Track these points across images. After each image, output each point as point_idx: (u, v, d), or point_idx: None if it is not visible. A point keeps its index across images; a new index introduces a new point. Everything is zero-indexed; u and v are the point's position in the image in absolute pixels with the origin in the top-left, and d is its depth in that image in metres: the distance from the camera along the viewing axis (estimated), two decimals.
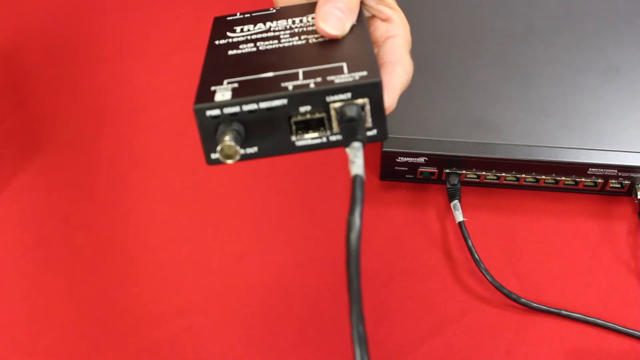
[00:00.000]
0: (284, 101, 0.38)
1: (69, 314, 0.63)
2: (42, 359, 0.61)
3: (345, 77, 0.38)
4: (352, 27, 0.43)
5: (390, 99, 0.43)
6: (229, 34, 0.45)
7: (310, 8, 0.46)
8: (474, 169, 0.66)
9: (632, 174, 0.65)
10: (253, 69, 0.40)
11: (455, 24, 0.71)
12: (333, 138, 0.39)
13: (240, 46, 0.43)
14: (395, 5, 0.49)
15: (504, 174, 0.66)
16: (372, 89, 0.38)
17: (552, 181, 0.66)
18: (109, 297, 0.64)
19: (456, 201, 0.66)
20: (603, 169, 0.64)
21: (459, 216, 0.65)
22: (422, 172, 0.67)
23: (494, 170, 0.66)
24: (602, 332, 0.62)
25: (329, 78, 0.38)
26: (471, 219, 0.65)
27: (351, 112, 0.38)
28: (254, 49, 0.43)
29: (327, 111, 0.38)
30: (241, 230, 0.66)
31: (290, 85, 0.38)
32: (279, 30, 0.44)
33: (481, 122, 0.66)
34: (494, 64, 0.69)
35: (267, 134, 0.39)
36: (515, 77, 0.68)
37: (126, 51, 0.78)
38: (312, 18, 0.45)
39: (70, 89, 0.75)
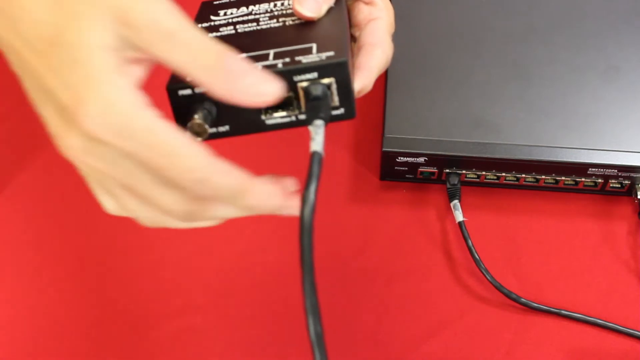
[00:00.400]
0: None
1: (68, 314, 0.63)
2: (42, 359, 0.62)
3: (312, 57, 0.38)
4: (330, 10, 0.43)
5: (367, 80, 0.43)
6: (212, 17, 0.45)
7: None
8: (474, 169, 0.66)
9: (632, 174, 0.65)
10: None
11: (455, 24, 0.71)
12: (302, 117, 0.39)
13: (220, 29, 0.44)
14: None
15: (504, 174, 0.66)
16: (338, 69, 0.38)
17: (552, 181, 0.66)
18: (109, 297, 0.64)
19: (456, 201, 0.66)
20: (603, 169, 0.64)
21: (459, 216, 0.65)
22: (422, 172, 0.67)
23: (494, 170, 0.66)
24: (602, 332, 0.62)
25: (297, 58, 0.38)
26: (471, 219, 0.65)
27: (316, 91, 0.38)
28: (233, 31, 0.43)
29: (295, 90, 0.39)
30: (242, 230, 0.66)
31: (259, 65, 0.38)
32: (259, 14, 0.45)
33: (481, 122, 0.66)
34: (494, 64, 0.69)
35: (237, 112, 0.38)
36: (515, 77, 0.68)
37: None
38: (290, 3, 0.45)
39: None
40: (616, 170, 0.65)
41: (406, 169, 0.67)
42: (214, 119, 0.39)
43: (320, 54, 0.38)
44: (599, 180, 0.66)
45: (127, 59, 0.35)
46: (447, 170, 0.66)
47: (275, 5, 0.45)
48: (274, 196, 0.38)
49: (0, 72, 0.75)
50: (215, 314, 0.63)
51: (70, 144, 0.35)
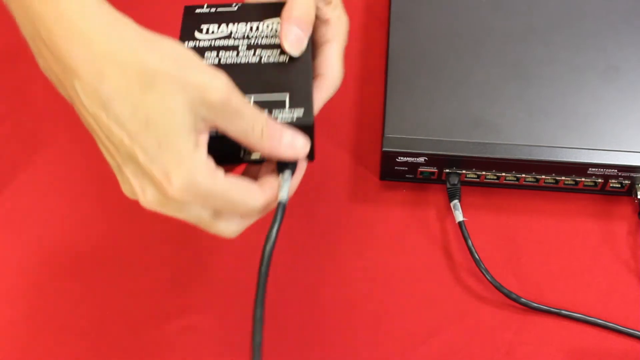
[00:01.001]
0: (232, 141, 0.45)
1: (68, 314, 0.63)
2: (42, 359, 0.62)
3: (286, 115, 0.46)
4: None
5: (315, 110, 0.49)
6: (196, 34, 0.50)
7: (267, 10, 0.51)
8: (474, 169, 0.66)
9: (632, 174, 0.65)
10: None
11: (455, 24, 0.71)
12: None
13: (205, 54, 0.49)
14: (337, 3, 0.52)
15: (504, 174, 0.66)
16: (306, 128, 0.47)
17: (552, 181, 0.66)
18: (109, 297, 0.64)
19: (456, 201, 0.66)
20: (603, 168, 0.64)
21: (459, 216, 0.65)
22: (422, 172, 0.67)
23: (494, 170, 0.66)
24: (602, 332, 0.62)
25: (274, 112, 0.46)
26: (471, 219, 0.65)
27: None
28: (217, 61, 0.49)
29: None
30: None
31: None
32: (238, 38, 0.50)
33: (481, 122, 0.66)
34: (493, 64, 0.69)
35: (221, 149, 0.45)
36: (515, 77, 0.68)
37: None
38: (267, 26, 0.51)
39: None
40: (616, 170, 0.65)
41: (406, 168, 0.67)
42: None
43: (292, 111, 0.46)
44: (599, 180, 0.66)
45: (199, 129, 0.43)
46: (447, 170, 0.66)
47: (251, 30, 0.51)
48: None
49: (0, 72, 0.75)
50: (215, 313, 0.63)
51: (149, 201, 0.44)
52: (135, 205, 0.68)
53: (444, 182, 0.67)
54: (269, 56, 0.49)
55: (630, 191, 0.67)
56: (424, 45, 0.70)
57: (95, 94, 0.41)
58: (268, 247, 0.46)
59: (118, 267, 0.65)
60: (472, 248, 0.63)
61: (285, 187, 0.48)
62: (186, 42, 0.50)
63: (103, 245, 0.66)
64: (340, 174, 0.69)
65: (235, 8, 0.52)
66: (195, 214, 0.45)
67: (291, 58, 0.49)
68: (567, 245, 0.66)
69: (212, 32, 0.50)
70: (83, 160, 0.70)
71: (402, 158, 0.66)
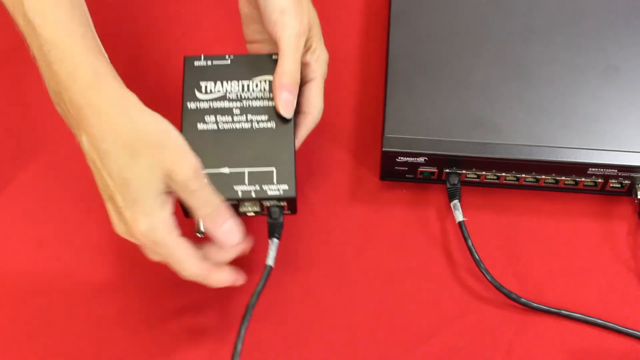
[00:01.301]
0: (235, 202, 0.58)
1: (69, 313, 0.63)
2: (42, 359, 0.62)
3: (274, 190, 0.58)
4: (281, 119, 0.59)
5: (297, 143, 0.60)
6: (197, 94, 0.60)
7: (257, 64, 0.60)
8: (474, 169, 0.66)
9: (632, 174, 0.65)
10: (215, 162, 0.58)
11: (455, 24, 0.71)
12: (263, 212, 0.60)
13: (205, 118, 0.59)
14: (316, 42, 0.60)
15: (504, 174, 0.66)
16: (290, 199, 0.58)
17: (552, 181, 0.66)
18: (109, 297, 0.64)
19: (456, 201, 0.66)
20: (603, 168, 0.64)
21: (459, 216, 0.65)
22: (422, 172, 0.67)
23: (494, 170, 0.66)
24: (602, 332, 0.62)
25: (264, 187, 0.58)
26: (471, 219, 0.65)
27: (275, 214, 0.59)
28: (215, 125, 0.59)
29: (262, 205, 0.59)
30: None
31: (239, 190, 0.58)
32: (232, 100, 0.59)
33: (481, 121, 0.66)
34: (493, 63, 0.68)
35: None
36: (515, 77, 0.68)
37: (128, 51, 0.77)
38: (256, 85, 0.59)
39: None
40: (616, 170, 0.65)
41: (406, 168, 0.67)
42: None
43: (278, 187, 0.58)
44: (599, 180, 0.66)
45: (166, 195, 0.54)
46: (447, 170, 0.66)
47: (243, 89, 0.60)
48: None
49: (1, 73, 0.75)
50: (214, 312, 0.63)
51: (120, 231, 0.55)
52: None
53: (444, 182, 0.67)
54: (258, 121, 0.59)
55: (630, 191, 0.67)
56: (424, 45, 0.70)
57: (96, 148, 0.53)
58: (252, 302, 0.58)
59: (117, 268, 0.65)
60: (472, 248, 0.63)
61: (272, 252, 0.59)
62: (188, 103, 0.60)
63: (102, 245, 0.66)
64: (341, 174, 0.69)
65: (229, 61, 0.60)
66: (150, 253, 0.56)
67: (277, 125, 0.58)
68: (567, 245, 0.66)
69: (210, 92, 0.60)
70: (82, 159, 0.70)
71: (402, 158, 0.66)
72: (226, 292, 0.64)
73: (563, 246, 0.66)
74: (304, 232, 0.66)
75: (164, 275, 0.65)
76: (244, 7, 0.62)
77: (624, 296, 0.64)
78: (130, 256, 0.66)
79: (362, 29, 0.75)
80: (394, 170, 0.67)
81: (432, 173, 0.67)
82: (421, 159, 0.66)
